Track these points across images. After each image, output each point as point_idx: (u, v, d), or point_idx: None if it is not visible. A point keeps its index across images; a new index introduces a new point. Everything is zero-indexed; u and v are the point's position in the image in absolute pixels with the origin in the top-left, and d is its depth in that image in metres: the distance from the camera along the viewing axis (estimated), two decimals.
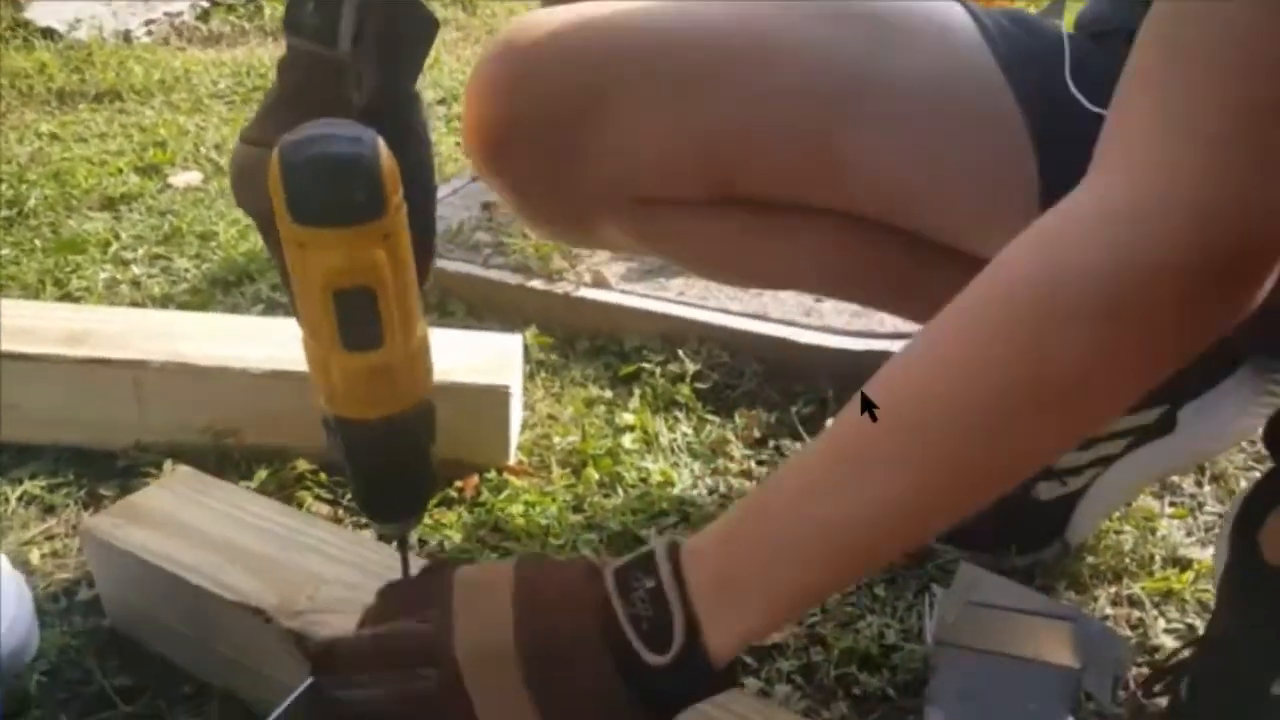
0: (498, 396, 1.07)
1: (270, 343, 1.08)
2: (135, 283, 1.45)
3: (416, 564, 0.72)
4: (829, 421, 1.20)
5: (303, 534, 0.84)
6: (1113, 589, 0.98)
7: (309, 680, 0.67)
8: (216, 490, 0.90)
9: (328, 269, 0.57)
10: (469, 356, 1.10)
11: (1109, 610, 0.97)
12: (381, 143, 0.58)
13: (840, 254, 0.91)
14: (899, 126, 0.80)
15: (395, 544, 0.72)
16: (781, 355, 1.27)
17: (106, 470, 1.06)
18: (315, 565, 0.80)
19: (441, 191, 1.68)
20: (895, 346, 1.26)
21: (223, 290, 1.44)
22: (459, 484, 1.08)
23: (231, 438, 1.06)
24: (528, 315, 1.35)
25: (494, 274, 1.40)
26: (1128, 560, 1.00)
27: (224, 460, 1.06)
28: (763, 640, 0.60)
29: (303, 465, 1.05)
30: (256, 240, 1.57)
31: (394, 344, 0.60)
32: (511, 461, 1.12)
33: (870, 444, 0.54)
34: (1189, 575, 0.98)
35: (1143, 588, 0.97)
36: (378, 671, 0.60)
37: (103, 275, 1.46)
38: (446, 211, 1.56)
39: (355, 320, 0.59)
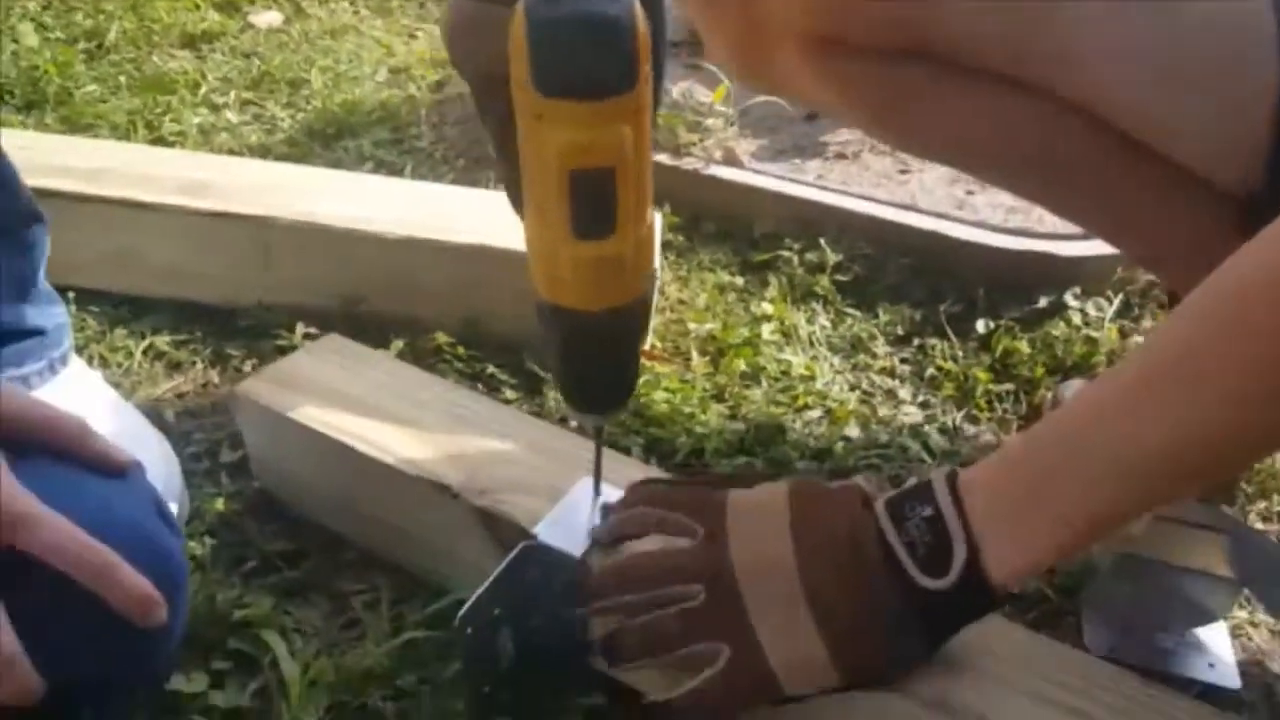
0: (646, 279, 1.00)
1: (400, 206, 1.01)
2: (229, 129, 1.37)
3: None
4: (979, 323, 1.16)
5: (468, 410, 0.79)
6: (1262, 505, 0.95)
7: (521, 546, 0.66)
8: (370, 359, 0.84)
9: (568, 146, 0.51)
10: None
11: (1260, 525, 0.94)
12: (636, 2, 0.50)
13: (1028, 132, 0.83)
14: (1131, 9, 0.71)
15: (592, 434, 0.67)
16: (930, 250, 1.20)
17: (229, 328, 1.01)
18: (490, 443, 0.76)
19: None
20: (1056, 248, 1.19)
21: (322, 144, 1.36)
22: None
23: (360, 304, 1.00)
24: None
25: None
26: None
27: (353, 327, 0.99)
28: (1043, 570, 0.57)
29: (441, 338, 0.99)
30: (353, 91, 1.49)
31: (626, 232, 0.54)
32: (647, 346, 1.06)
33: (1188, 368, 0.50)
34: None
35: None
36: (646, 587, 0.61)
37: (195, 119, 1.38)
38: None
39: (590, 205, 0.53)
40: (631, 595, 0.61)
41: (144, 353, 0.96)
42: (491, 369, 0.99)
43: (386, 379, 0.81)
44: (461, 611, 0.62)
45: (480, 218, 1.01)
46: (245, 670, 0.69)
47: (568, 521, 0.69)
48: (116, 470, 0.60)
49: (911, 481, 0.60)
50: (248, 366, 0.97)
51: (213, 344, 0.99)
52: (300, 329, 0.98)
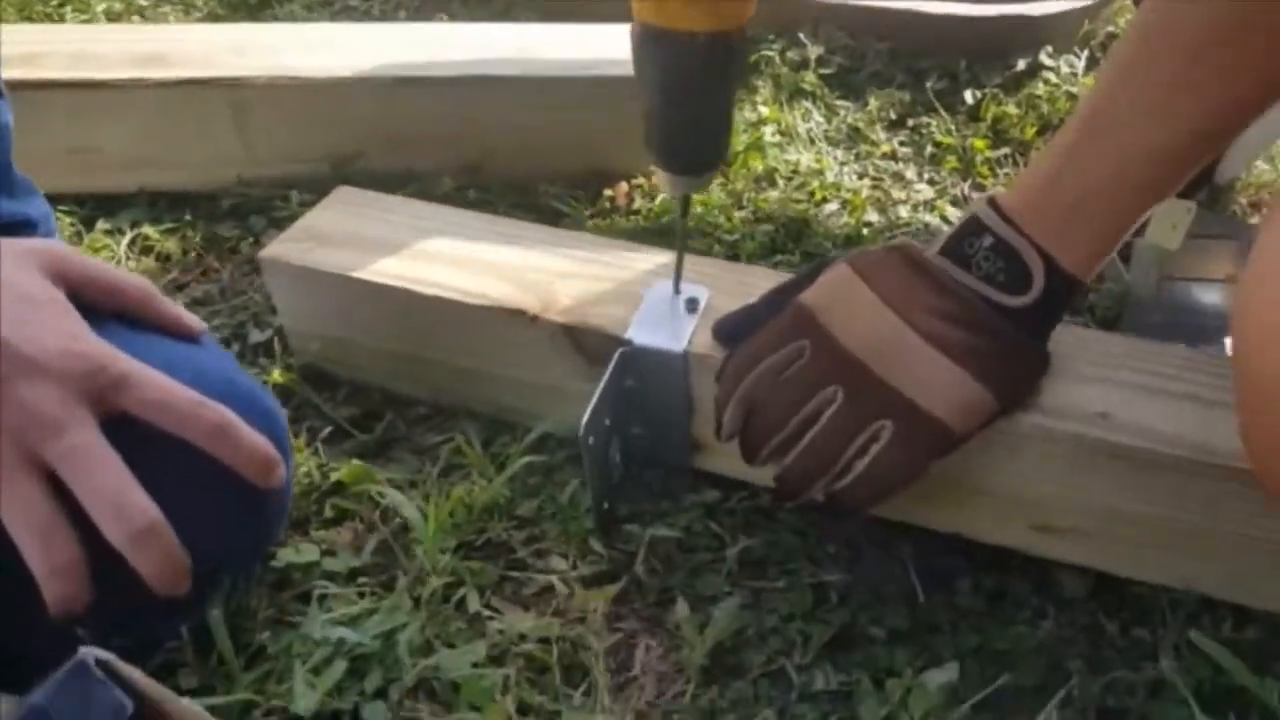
0: None
1: (376, 49, 0.94)
2: (141, 13, 1.24)
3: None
4: (967, 94, 1.15)
5: (517, 234, 0.75)
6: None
7: (618, 352, 0.64)
8: (395, 203, 0.79)
9: None
10: (593, 44, 0.98)
11: None
12: None
13: None
14: None
15: (678, 204, 0.64)
16: (906, 30, 1.17)
17: (214, 212, 0.93)
18: (550, 261, 0.72)
19: None
20: (1027, 9, 1.18)
21: (247, 15, 1.25)
22: (608, 192, 0.98)
23: (354, 162, 0.93)
24: (608, 9, 1.20)
25: None
26: None
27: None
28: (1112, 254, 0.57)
29: (448, 183, 0.93)
30: None
31: None
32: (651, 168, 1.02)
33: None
34: None
35: None
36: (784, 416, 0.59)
37: (101, 6, 1.24)
38: None
39: None
40: (774, 434, 0.59)
41: (129, 247, 0.89)
42: (504, 210, 0.94)
43: (420, 220, 0.76)
44: (583, 422, 0.60)
45: (466, 50, 0.95)
46: (353, 531, 0.66)
47: (654, 321, 0.66)
48: (190, 333, 0.55)
49: (951, 229, 0.60)
50: (245, 247, 0.90)
51: (201, 229, 0.92)
52: (296, 196, 0.91)
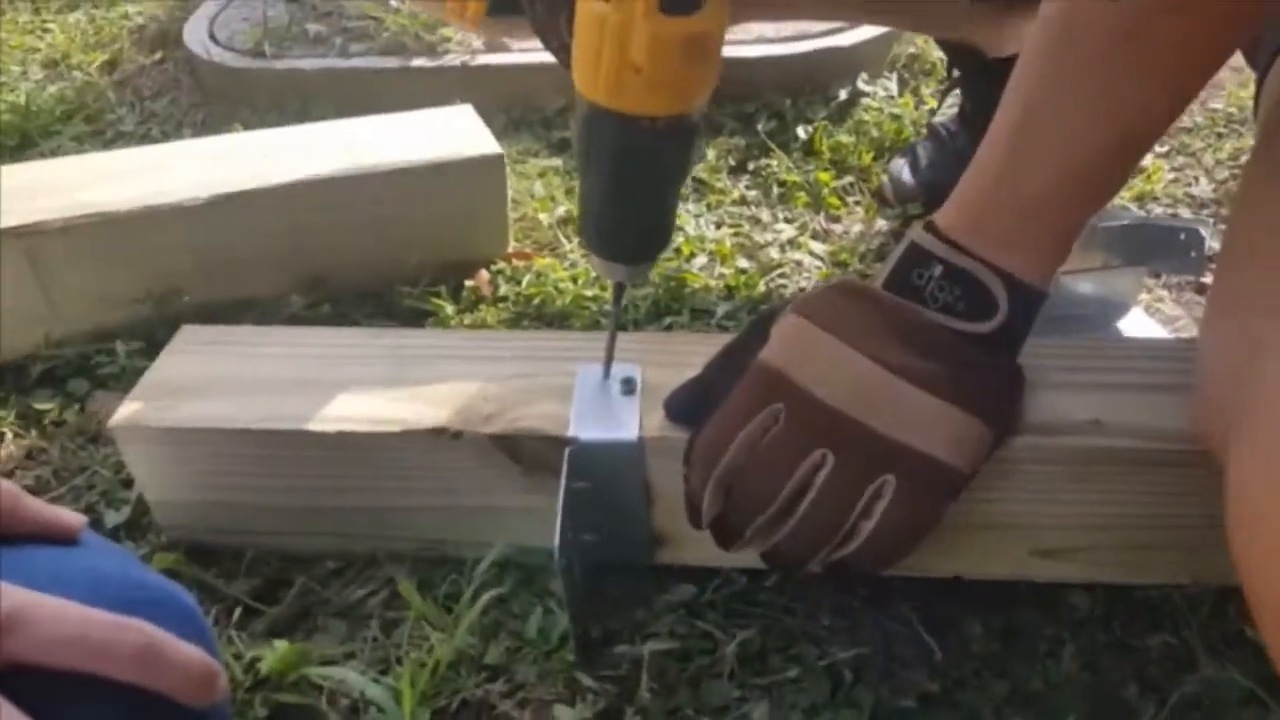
0: (494, 166, 0.89)
1: (187, 168, 0.83)
2: None
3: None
4: (799, 130, 1.16)
5: (406, 345, 0.67)
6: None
7: (567, 452, 0.58)
8: (250, 335, 0.68)
9: None
10: (439, 132, 0.91)
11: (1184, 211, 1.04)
12: None
13: None
14: None
15: (612, 291, 0.59)
16: (726, 76, 1.15)
17: (22, 382, 0.79)
18: (454, 369, 0.64)
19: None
20: (837, 41, 1.21)
21: (11, 158, 1.09)
22: (470, 283, 0.91)
23: (179, 298, 0.81)
24: (421, 101, 1.14)
25: (363, 62, 1.16)
26: None
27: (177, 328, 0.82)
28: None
29: (296, 301, 0.83)
30: (12, 97, 1.20)
31: (716, 4, 0.47)
32: (509, 249, 0.96)
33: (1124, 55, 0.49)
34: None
35: None
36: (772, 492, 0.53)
37: None
38: (247, 14, 1.27)
39: None
40: (761, 511, 0.54)
41: None
42: (364, 321, 0.85)
43: (293, 348, 0.66)
44: (555, 543, 0.52)
45: (282, 156, 0.85)
46: None
47: (594, 412, 0.60)
48: (70, 533, 0.44)
49: (891, 259, 0.56)
50: (70, 416, 0.76)
51: (15, 404, 0.77)
52: (122, 348, 0.78)
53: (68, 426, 0.75)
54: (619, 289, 0.58)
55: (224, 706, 0.46)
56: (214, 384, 0.63)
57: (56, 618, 0.37)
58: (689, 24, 0.46)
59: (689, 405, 0.58)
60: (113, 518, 0.67)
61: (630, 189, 0.52)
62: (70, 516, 0.44)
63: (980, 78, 0.99)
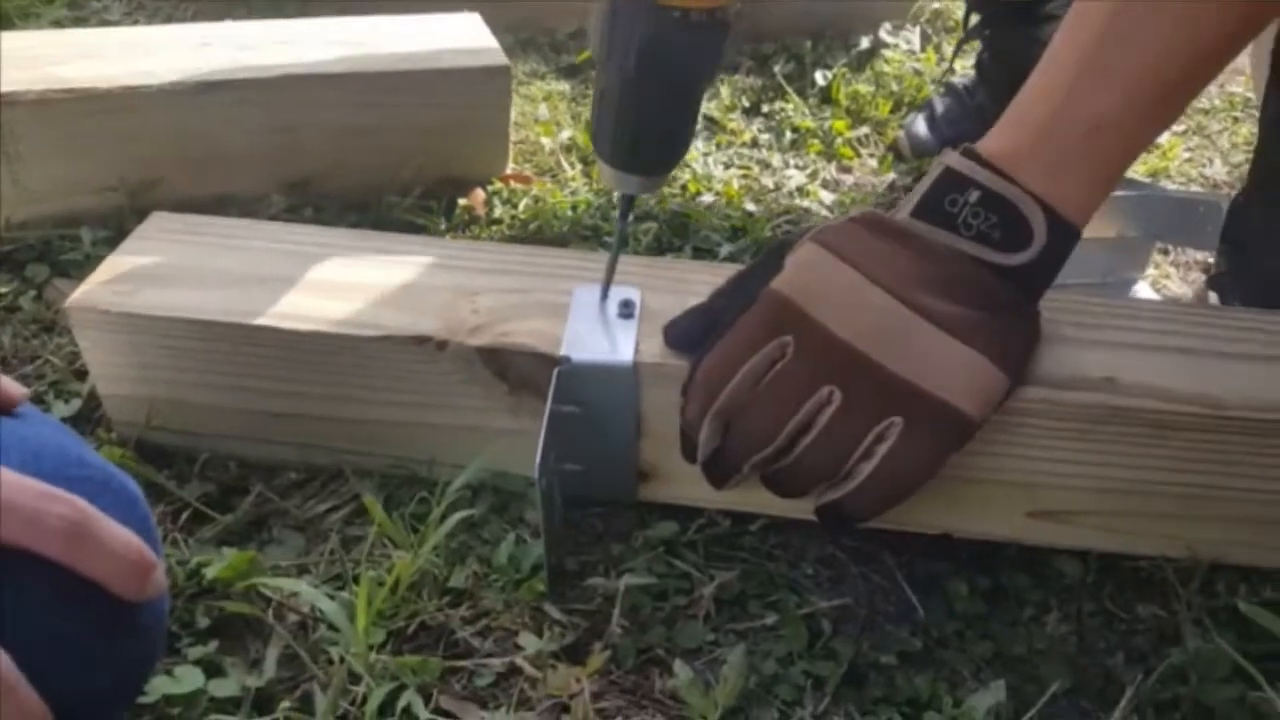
0: (499, 81, 0.84)
1: (176, 51, 0.78)
2: None
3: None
4: (817, 76, 1.12)
5: (394, 249, 0.63)
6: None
7: (556, 372, 0.54)
8: (226, 226, 0.64)
9: None
10: (442, 38, 0.86)
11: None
12: None
13: None
14: None
15: (618, 205, 0.55)
16: (747, 13, 1.11)
17: None
18: (444, 278, 0.60)
19: None
20: None
21: None
22: (463, 201, 0.87)
23: (155, 188, 0.77)
24: (427, 6, 1.08)
25: None
26: None
27: None
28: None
29: (278, 202, 0.79)
30: None
31: None
32: (508, 170, 0.92)
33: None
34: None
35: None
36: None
37: None
38: None
39: None
40: (760, 449, 0.51)
41: None
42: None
43: (271, 243, 0.62)
44: (536, 463, 0.49)
45: (280, 47, 0.80)
46: (239, 643, 0.52)
47: (588, 333, 0.56)
48: (9, 403, 0.40)
49: (920, 186, 0.53)
50: (25, 303, 0.72)
51: None
52: (88, 235, 0.74)
53: (22, 313, 0.71)
54: (627, 202, 0.55)
55: (159, 605, 0.43)
56: (181, 273, 0.59)
57: None
58: None
59: (691, 333, 0.54)
60: (61, 409, 0.63)
61: (654, 89, 0.48)
62: (12, 385, 0.41)
63: (1001, 19, 0.96)
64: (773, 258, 0.54)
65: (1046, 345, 0.55)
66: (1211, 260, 0.89)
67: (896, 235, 0.52)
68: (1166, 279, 0.90)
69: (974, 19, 1.00)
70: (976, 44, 1.02)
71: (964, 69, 1.08)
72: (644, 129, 0.50)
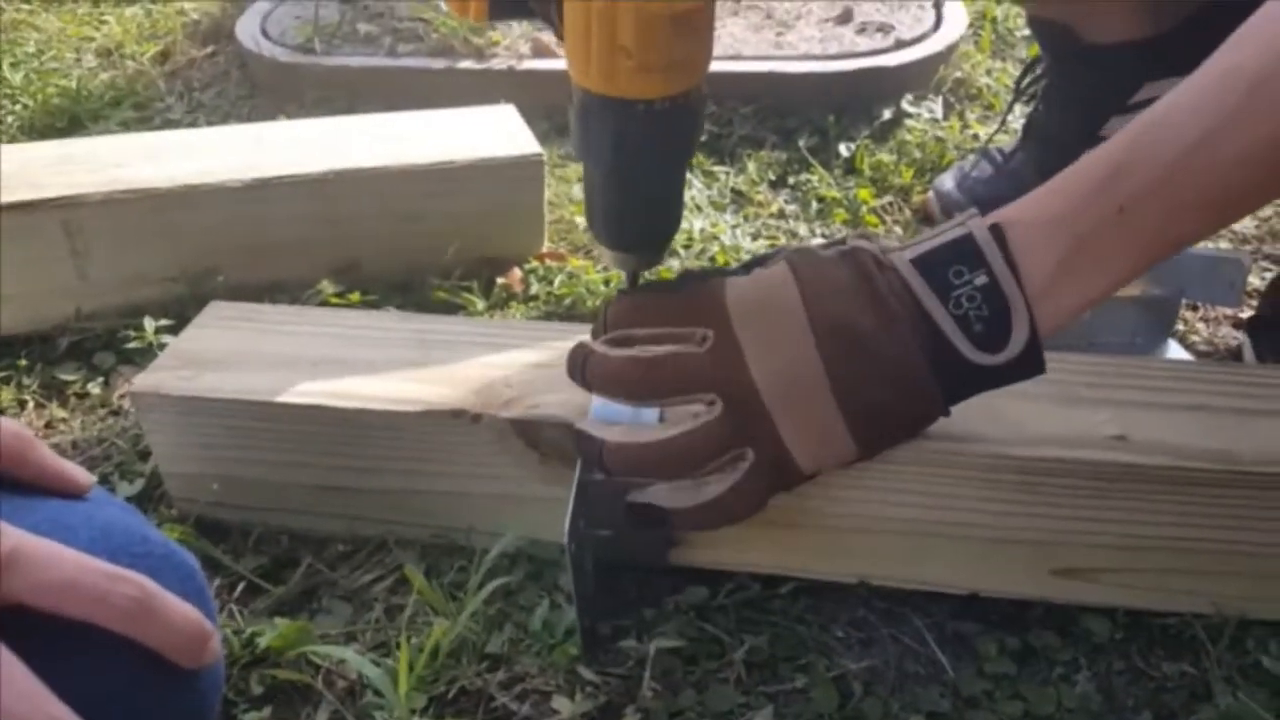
0: (532, 167, 0.89)
1: (230, 151, 0.84)
2: None
3: None
4: (841, 148, 1.15)
5: (435, 329, 0.67)
6: None
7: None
8: (284, 313, 0.69)
9: None
10: (478, 130, 0.91)
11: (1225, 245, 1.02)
12: None
13: None
14: None
15: (627, 278, 0.58)
16: (770, 92, 1.17)
17: (49, 354, 0.79)
18: (479, 355, 0.64)
19: None
20: (882, 61, 1.20)
21: (57, 139, 1.12)
22: (501, 280, 0.91)
23: (214, 279, 0.82)
24: (465, 102, 1.14)
25: (411, 62, 1.17)
26: None
27: None
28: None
29: (327, 288, 0.83)
30: (64, 81, 1.23)
31: None
32: (544, 248, 0.96)
33: (1250, 86, 0.46)
34: None
35: None
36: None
37: None
38: (299, 12, 1.29)
39: None
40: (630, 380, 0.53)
41: None
42: (392, 310, 0.85)
43: (319, 327, 0.66)
44: (565, 529, 0.51)
45: (322, 145, 0.86)
46: (291, 709, 0.54)
47: (613, 409, 0.59)
48: (77, 489, 0.44)
49: (937, 234, 0.52)
50: (94, 389, 0.77)
51: (39, 374, 0.77)
52: (150, 324, 0.79)
53: (90, 399, 0.76)
54: (632, 278, 0.58)
55: (217, 672, 0.46)
56: (237, 358, 0.63)
57: (53, 561, 0.37)
58: (675, 3, 0.45)
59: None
60: (125, 489, 0.67)
61: (631, 175, 0.51)
62: (79, 472, 0.45)
63: (1068, 64, 0.93)
64: (752, 264, 0.56)
65: (1060, 406, 0.56)
66: (1239, 316, 0.90)
67: (872, 287, 0.51)
68: (1195, 335, 0.91)
69: (1031, 74, 0.99)
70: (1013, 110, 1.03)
71: (993, 142, 1.11)
72: (628, 212, 0.53)
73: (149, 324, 0.79)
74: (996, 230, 0.50)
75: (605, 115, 0.49)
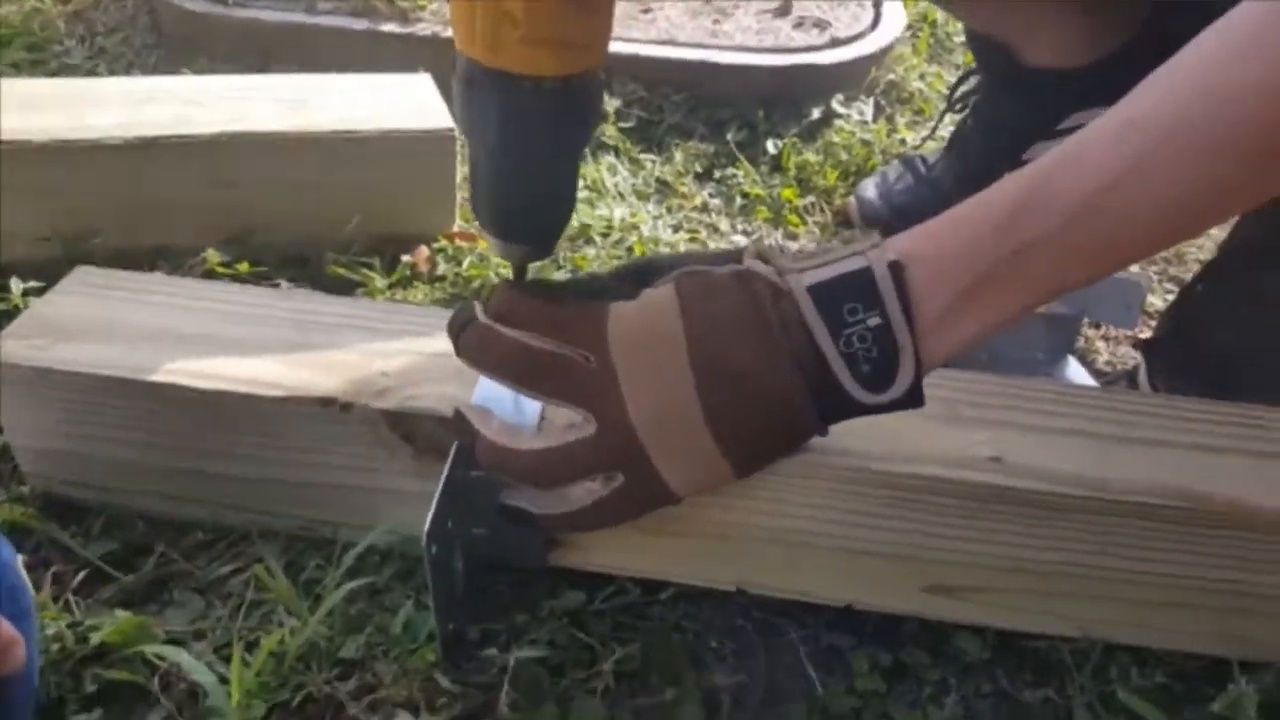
0: (444, 143, 0.86)
1: (118, 106, 0.79)
2: None
3: None
4: (768, 144, 1.14)
5: (310, 309, 0.63)
6: None
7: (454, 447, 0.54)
8: (147, 282, 0.65)
9: None
10: (389, 98, 0.87)
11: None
12: None
13: None
14: None
15: (514, 270, 0.55)
16: (701, 81, 1.15)
17: None
18: (358, 340, 0.60)
19: None
20: (816, 59, 1.18)
21: None
22: (406, 258, 0.87)
23: (92, 239, 0.77)
24: (385, 68, 1.10)
25: (330, 20, 1.12)
26: None
27: None
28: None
29: (212, 257, 0.79)
30: None
31: None
32: (453, 228, 0.93)
33: (1144, 141, 0.45)
34: None
35: None
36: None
37: None
38: None
39: None
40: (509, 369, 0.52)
41: None
42: (285, 284, 0.81)
43: (189, 300, 0.63)
44: (425, 529, 0.49)
45: (218, 105, 0.81)
46: (126, 711, 0.51)
47: (496, 396, 0.56)
48: None
49: (839, 259, 0.49)
50: None
51: None
52: (17, 285, 0.74)
53: None
54: (519, 270, 0.55)
55: (28, 681, 0.43)
56: (96, 328, 0.59)
57: None
58: None
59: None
60: None
61: (517, 159, 0.48)
62: None
63: (1000, 84, 0.93)
64: (642, 274, 0.53)
65: (940, 424, 0.56)
66: (1139, 336, 0.91)
67: (759, 314, 0.49)
68: (1095, 353, 0.91)
69: (965, 85, 0.98)
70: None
71: (917, 149, 1.10)
72: (514, 198, 0.50)
73: (16, 285, 0.74)
74: (896, 268, 0.48)
75: (489, 89, 0.46)
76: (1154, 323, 0.90)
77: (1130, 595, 0.56)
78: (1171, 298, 0.94)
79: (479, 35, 0.44)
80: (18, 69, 1.07)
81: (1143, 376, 0.81)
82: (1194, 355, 0.77)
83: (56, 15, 1.19)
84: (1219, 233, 0.87)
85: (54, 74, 1.10)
